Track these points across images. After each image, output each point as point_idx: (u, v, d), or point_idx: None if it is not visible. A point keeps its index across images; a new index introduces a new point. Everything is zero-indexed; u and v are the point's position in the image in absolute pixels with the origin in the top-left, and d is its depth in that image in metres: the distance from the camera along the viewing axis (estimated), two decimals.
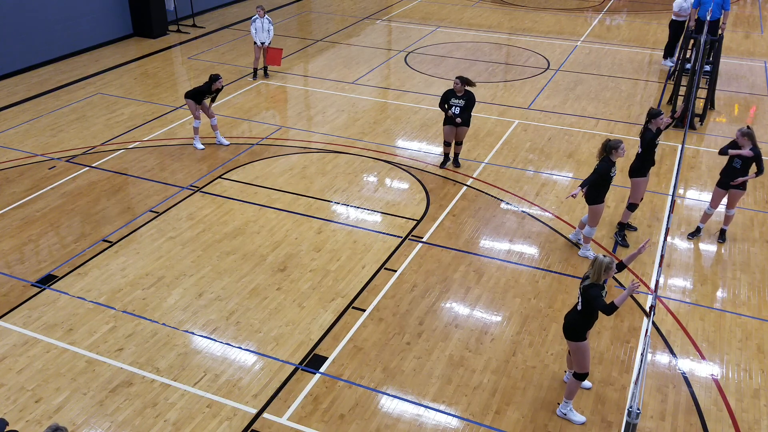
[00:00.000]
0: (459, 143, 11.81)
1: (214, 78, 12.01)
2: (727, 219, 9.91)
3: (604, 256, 6.47)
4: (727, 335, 8.19)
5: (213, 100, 12.46)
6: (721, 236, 9.99)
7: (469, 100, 11.40)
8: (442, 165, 11.92)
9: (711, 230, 10.25)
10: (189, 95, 12.11)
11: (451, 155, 12.00)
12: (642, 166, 9.59)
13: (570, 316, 6.74)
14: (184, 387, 7.32)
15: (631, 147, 12.71)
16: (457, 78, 11.24)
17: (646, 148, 9.47)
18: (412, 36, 19.53)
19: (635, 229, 10.14)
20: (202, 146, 12.48)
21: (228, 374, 7.50)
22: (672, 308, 8.61)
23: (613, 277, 9.09)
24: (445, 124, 11.61)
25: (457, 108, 11.36)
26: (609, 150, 8.83)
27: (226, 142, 12.65)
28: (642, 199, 9.85)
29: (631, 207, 9.74)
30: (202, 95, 12.10)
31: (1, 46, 15.73)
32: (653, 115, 9.45)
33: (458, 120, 11.34)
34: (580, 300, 6.60)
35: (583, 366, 6.77)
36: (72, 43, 17.57)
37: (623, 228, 9.89)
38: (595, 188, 9.01)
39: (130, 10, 19.04)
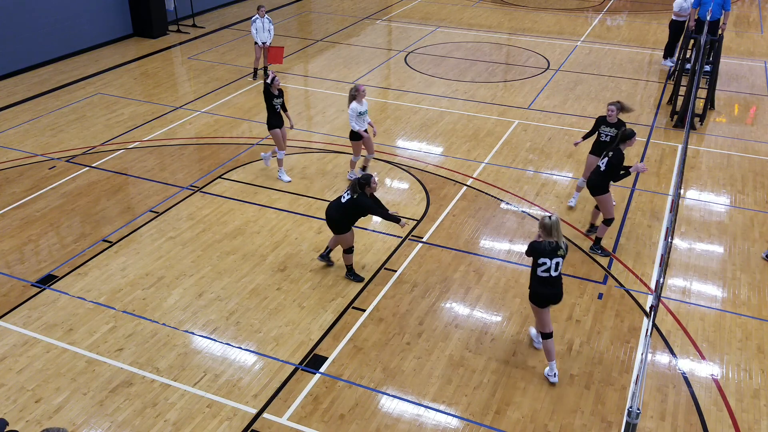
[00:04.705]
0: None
1: (267, 76, 10.98)
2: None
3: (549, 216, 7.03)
4: (727, 335, 8.19)
5: (284, 108, 11.20)
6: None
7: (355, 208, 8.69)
8: (322, 257, 9.29)
9: (711, 230, 10.26)
10: (268, 109, 11.01)
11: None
12: (605, 184, 9.11)
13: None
14: (184, 387, 7.32)
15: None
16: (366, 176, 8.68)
17: (613, 170, 9.00)
18: (412, 36, 19.53)
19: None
20: (288, 179, 11.42)
21: (228, 374, 7.50)
22: (672, 308, 8.61)
23: (613, 277, 9.09)
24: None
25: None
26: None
27: (287, 178, 11.43)
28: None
29: (608, 222, 9.34)
30: (270, 99, 10.92)
31: (1, 46, 15.74)
32: (628, 136, 9.03)
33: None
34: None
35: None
36: (72, 43, 17.57)
37: (599, 241, 9.53)
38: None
39: (130, 10, 19.05)
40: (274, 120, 11.12)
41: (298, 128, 13.38)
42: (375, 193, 8.75)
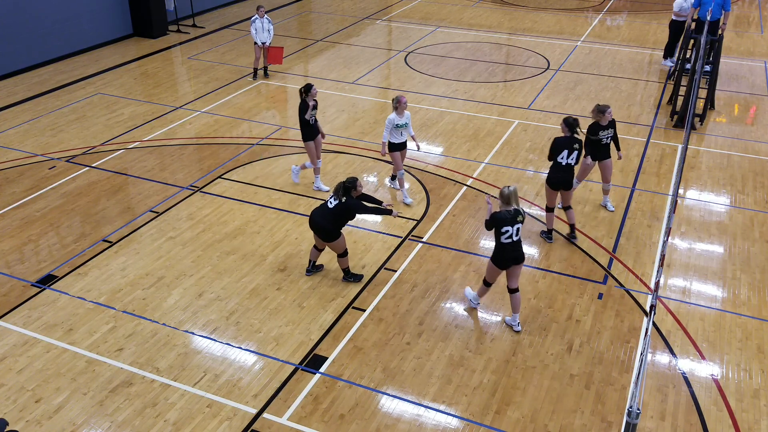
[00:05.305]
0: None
1: (309, 93, 10.46)
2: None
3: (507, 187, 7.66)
4: (727, 335, 8.19)
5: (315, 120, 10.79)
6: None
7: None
8: (309, 272, 9.20)
9: (710, 230, 10.26)
10: (301, 121, 10.59)
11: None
12: (571, 178, 9.54)
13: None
14: (184, 387, 7.32)
15: (630, 147, 12.73)
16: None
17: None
18: (412, 36, 19.53)
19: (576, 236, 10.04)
20: (297, 180, 11.20)
21: (228, 374, 7.50)
22: (672, 308, 8.61)
23: (613, 277, 9.10)
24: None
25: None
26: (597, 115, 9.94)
27: (325, 187, 11.07)
28: None
29: (569, 207, 9.80)
30: (305, 110, 10.48)
31: (1, 46, 15.74)
32: (574, 125, 9.50)
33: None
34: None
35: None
36: (72, 43, 17.57)
37: (573, 228, 9.86)
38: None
39: (130, 10, 19.04)
40: (308, 132, 10.65)
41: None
42: (375, 194, 8.74)
